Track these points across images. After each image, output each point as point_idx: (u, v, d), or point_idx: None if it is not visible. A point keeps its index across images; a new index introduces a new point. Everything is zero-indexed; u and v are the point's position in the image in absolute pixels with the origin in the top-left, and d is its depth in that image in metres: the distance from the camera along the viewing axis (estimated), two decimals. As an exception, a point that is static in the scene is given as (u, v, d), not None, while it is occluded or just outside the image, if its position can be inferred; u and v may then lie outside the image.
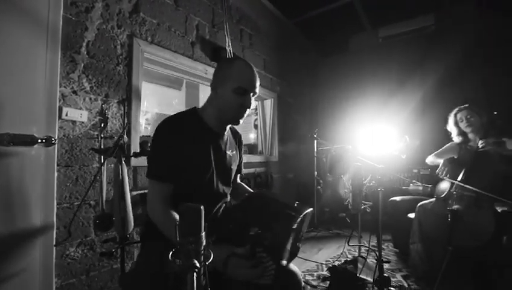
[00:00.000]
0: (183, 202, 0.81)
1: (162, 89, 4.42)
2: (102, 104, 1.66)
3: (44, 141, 1.23)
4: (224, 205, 1.02)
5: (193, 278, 0.45)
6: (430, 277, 1.69)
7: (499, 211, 1.56)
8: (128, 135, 1.81)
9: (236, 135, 1.15)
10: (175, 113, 0.96)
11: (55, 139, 1.30)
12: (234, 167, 1.07)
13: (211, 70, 2.49)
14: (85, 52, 1.62)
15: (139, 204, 1.75)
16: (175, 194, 0.87)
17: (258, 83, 0.95)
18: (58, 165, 1.49)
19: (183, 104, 4.76)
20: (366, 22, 3.53)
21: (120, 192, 1.29)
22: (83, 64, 1.61)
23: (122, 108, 1.81)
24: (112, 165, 1.70)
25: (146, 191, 1.82)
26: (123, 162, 1.33)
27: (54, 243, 1.45)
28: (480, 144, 1.68)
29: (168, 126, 0.89)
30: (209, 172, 0.93)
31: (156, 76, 3.73)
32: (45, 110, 1.40)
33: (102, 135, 1.50)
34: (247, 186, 1.18)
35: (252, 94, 0.94)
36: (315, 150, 3.09)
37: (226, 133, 1.03)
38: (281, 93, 3.55)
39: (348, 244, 1.75)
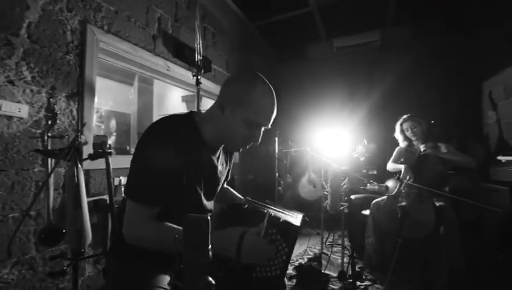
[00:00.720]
0: (179, 220, 0.75)
1: (112, 83, 4.01)
2: (49, 98, 1.43)
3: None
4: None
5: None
6: (382, 267, 1.88)
7: (437, 205, 1.82)
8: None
9: None
10: (168, 115, 0.82)
11: (-16, 138, 1.08)
12: (222, 181, 0.99)
13: (174, 67, 2.37)
14: (26, 36, 1.37)
15: (93, 212, 1.55)
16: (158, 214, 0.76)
17: (274, 116, 0.83)
18: (-13, 169, 1.23)
19: (135, 102, 4.39)
20: (323, 32, 3.77)
21: (76, 200, 1.12)
22: (22, 50, 1.35)
23: (72, 103, 1.58)
24: (60, 169, 1.48)
25: (101, 197, 1.65)
26: (79, 166, 1.16)
27: (-19, 265, 1.20)
28: (422, 148, 1.94)
29: (163, 136, 0.74)
30: (199, 191, 0.84)
31: (105, 68, 3.37)
32: (-30, 102, 1.15)
33: (49, 134, 1.28)
34: (234, 191, 1.14)
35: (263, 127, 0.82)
36: (276, 151, 3.17)
37: (220, 148, 0.92)
38: (243, 94, 3.55)
39: (326, 244, 1.84)
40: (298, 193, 3.12)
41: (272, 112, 0.82)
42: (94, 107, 1.70)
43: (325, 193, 1.58)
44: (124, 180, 1.84)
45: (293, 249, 0.80)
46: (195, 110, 0.91)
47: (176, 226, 0.72)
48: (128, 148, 2.09)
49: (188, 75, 2.51)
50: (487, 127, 2.95)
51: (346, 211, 1.60)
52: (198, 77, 1.81)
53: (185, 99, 4.86)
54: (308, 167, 3.11)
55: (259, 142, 0.84)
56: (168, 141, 0.74)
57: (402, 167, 2.00)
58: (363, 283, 1.78)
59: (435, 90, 3.30)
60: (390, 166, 2.21)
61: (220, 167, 0.94)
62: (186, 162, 0.77)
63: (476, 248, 1.86)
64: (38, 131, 1.40)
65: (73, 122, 1.58)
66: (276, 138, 3.11)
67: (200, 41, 1.76)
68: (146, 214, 0.72)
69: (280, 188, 3.14)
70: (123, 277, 0.77)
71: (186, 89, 2.83)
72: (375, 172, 3.05)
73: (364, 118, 3.52)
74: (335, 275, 1.80)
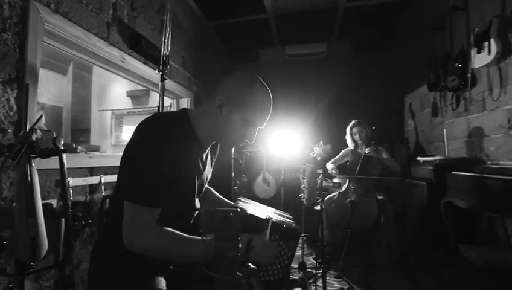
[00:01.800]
0: (172, 220, 0.74)
1: (43, 72, 3.42)
2: (-16, 82, 1.17)
3: None
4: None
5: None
6: (334, 256, 2.12)
7: (379, 198, 2.14)
8: (20, 127, 1.34)
9: (216, 144, 1.02)
10: (160, 113, 0.80)
11: None
12: (208, 179, 0.99)
13: (129, 59, 2.19)
14: None
15: (38, 220, 1.33)
16: None
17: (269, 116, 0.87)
18: None
19: (69, 93, 3.84)
20: (276, 38, 3.98)
21: (30, 204, 0.96)
22: None
23: (10, 91, 1.33)
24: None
25: (46, 201, 1.42)
26: (33, 165, 1.00)
27: None
28: (366, 150, 2.25)
29: (162, 136, 0.72)
30: (191, 190, 0.84)
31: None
32: None
33: (-15, 127, 1.07)
34: (215, 191, 1.13)
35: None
36: (232, 152, 3.21)
37: (209, 146, 0.93)
38: (197, 93, 3.48)
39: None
40: (253, 192, 3.22)
41: (269, 114, 0.86)
42: (37, 97, 1.46)
43: (302, 188, 1.71)
44: (72, 181, 1.63)
45: (294, 253, 0.85)
46: (187, 107, 0.90)
47: (183, 234, 0.72)
48: (74, 146, 1.83)
49: (144, 69, 2.35)
50: (407, 133, 3.58)
51: (321, 204, 1.75)
52: (164, 73, 1.73)
53: (130, 94, 4.46)
54: (263, 167, 3.24)
55: (253, 141, 0.87)
56: (168, 141, 0.72)
57: (332, 165, 2.36)
58: (319, 271, 1.97)
59: (370, 100, 3.83)
60: (330, 165, 2.49)
61: (207, 165, 0.95)
62: (183, 160, 0.77)
63: (403, 234, 2.25)
64: (-36, 123, 1.14)
65: (11, 113, 1.33)
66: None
67: (170, 36, 1.69)
68: (149, 216, 0.70)
69: (236, 187, 3.19)
70: (116, 283, 0.70)
71: (140, 84, 2.64)
72: (320, 171, 3.36)
73: (315, 122, 3.85)
74: (296, 266, 1.94)
